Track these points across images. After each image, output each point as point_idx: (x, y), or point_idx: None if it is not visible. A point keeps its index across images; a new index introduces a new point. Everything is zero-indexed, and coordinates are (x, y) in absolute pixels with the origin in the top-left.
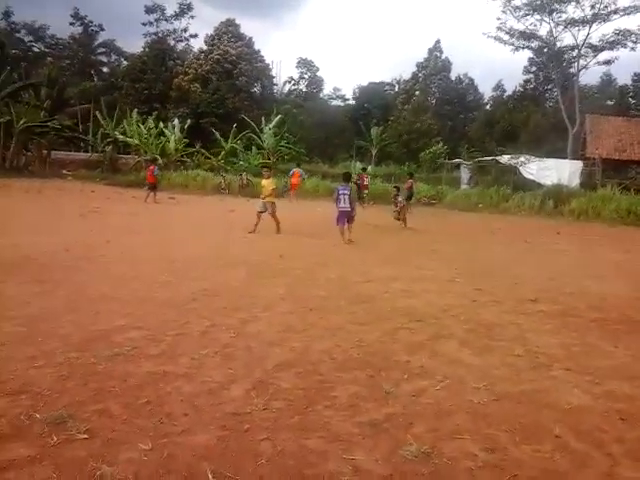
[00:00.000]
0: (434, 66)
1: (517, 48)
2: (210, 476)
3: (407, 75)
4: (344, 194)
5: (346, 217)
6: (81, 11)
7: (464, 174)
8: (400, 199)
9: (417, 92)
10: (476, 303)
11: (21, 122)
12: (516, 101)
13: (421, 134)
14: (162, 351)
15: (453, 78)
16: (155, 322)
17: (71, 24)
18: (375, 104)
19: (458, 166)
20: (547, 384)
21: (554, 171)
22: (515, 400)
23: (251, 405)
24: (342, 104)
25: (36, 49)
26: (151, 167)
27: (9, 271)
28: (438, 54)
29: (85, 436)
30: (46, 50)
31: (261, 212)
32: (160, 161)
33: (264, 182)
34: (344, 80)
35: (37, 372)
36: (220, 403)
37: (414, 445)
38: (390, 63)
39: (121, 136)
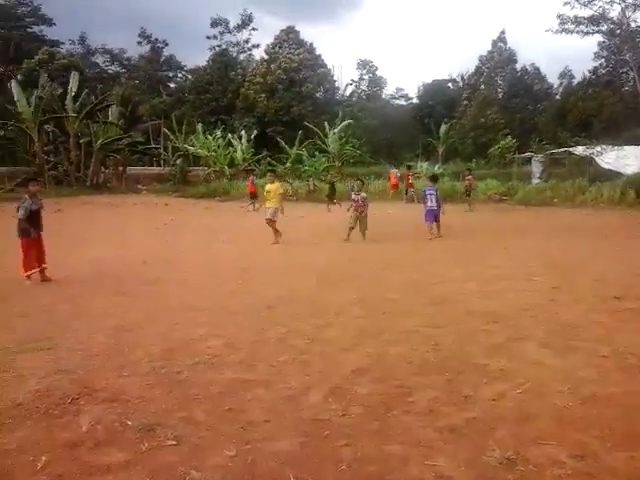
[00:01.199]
0: (499, 58)
1: (586, 34)
2: None
3: (471, 70)
4: (431, 194)
5: (433, 215)
6: (148, 30)
7: (535, 168)
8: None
9: (482, 86)
10: (555, 302)
11: (99, 141)
12: (588, 88)
13: (488, 129)
14: (241, 359)
15: (519, 69)
16: (233, 330)
17: (139, 43)
18: (440, 101)
19: (529, 160)
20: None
21: (634, 159)
22: (604, 403)
23: (330, 411)
24: (405, 103)
25: (110, 70)
26: (250, 177)
27: (94, 284)
28: (502, 45)
29: (173, 442)
30: (119, 70)
31: (272, 219)
32: (228, 171)
33: (269, 187)
34: (406, 79)
35: (126, 381)
36: (299, 409)
37: (497, 451)
38: (453, 59)
39: (191, 148)
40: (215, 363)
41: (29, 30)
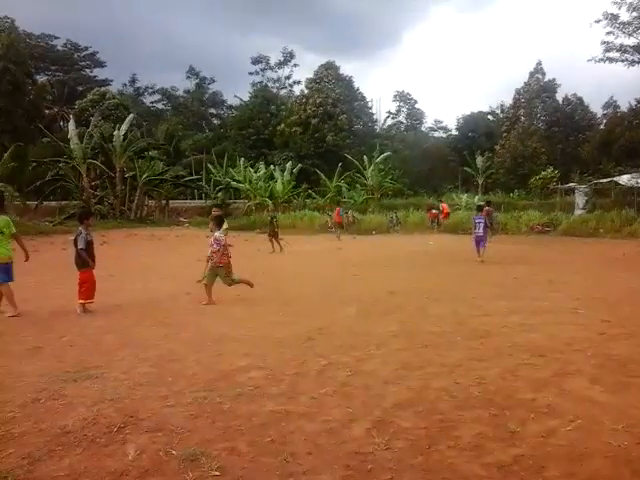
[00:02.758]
0: (536, 88)
1: (632, 63)
2: None
3: (509, 101)
4: (479, 222)
5: (480, 241)
6: (195, 67)
7: (579, 198)
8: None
9: (522, 117)
10: (604, 336)
11: (144, 176)
12: (635, 117)
13: (528, 159)
14: (282, 391)
15: (560, 99)
16: (274, 361)
17: (187, 78)
18: (479, 133)
19: (572, 191)
20: None
21: None
22: None
23: (373, 444)
24: (444, 135)
25: (156, 107)
26: (337, 209)
27: (139, 314)
28: (540, 76)
29: (217, 473)
30: (165, 108)
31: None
32: (270, 203)
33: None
34: (445, 111)
35: (170, 411)
36: (342, 442)
37: None
38: (490, 90)
39: (234, 182)
40: (257, 394)
41: (82, 73)
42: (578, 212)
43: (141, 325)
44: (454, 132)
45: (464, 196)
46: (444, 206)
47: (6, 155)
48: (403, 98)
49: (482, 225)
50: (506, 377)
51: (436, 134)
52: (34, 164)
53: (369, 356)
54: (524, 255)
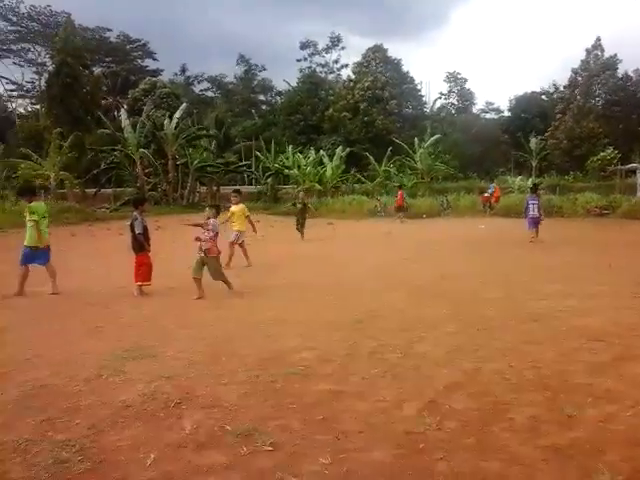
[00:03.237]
0: (595, 66)
1: None
2: None
3: (564, 80)
4: (533, 203)
5: (535, 222)
6: (245, 54)
7: None
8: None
9: (577, 97)
10: None
11: (195, 162)
12: None
13: (585, 140)
14: (333, 371)
15: (620, 76)
16: (324, 343)
17: (237, 65)
18: (532, 114)
19: (633, 172)
20: None
21: None
22: None
23: (424, 424)
24: (496, 117)
25: (207, 95)
26: (400, 192)
27: (194, 296)
28: (599, 53)
29: (270, 448)
30: (213, 95)
31: (234, 242)
32: (318, 187)
33: (234, 208)
34: (497, 93)
35: (224, 388)
36: (393, 422)
37: (607, 474)
38: (544, 69)
39: (281, 168)
40: (308, 374)
41: (134, 63)
42: None
43: (195, 306)
44: (506, 113)
45: (517, 179)
46: (496, 189)
47: (65, 144)
48: (454, 79)
49: (537, 206)
50: (562, 361)
51: (487, 116)
52: (91, 153)
53: (420, 339)
54: (580, 238)
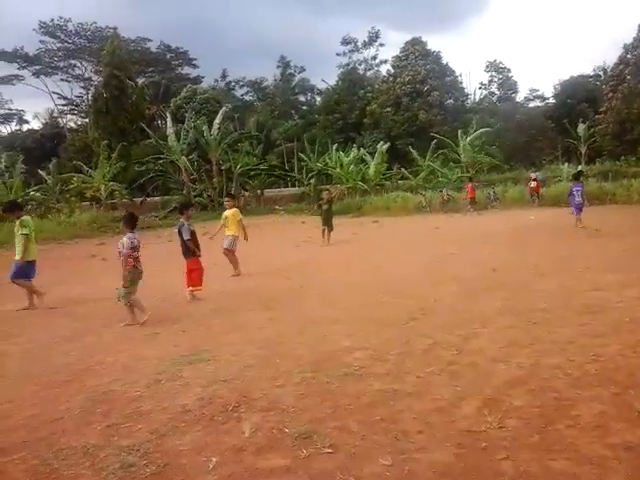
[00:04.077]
0: None
1: None
2: None
3: (613, 60)
4: (577, 190)
5: (579, 208)
6: (285, 55)
7: None
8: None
9: (628, 76)
10: None
11: (238, 166)
12: None
13: (635, 123)
14: (388, 370)
15: None
16: (378, 342)
17: (277, 67)
18: (580, 98)
19: None
20: None
21: None
22: None
23: (485, 423)
24: (541, 104)
25: (247, 98)
26: (470, 184)
27: (244, 300)
28: None
29: (330, 450)
30: (254, 99)
31: (230, 249)
32: (364, 186)
33: (227, 213)
34: (541, 79)
35: (280, 391)
36: (452, 420)
37: None
38: (592, 51)
39: (324, 168)
40: (363, 374)
41: (175, 72)
42: None
43: (246, 309)
44: (552, 100)
45: (565, 166)
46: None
47: (114, 155)
48: (495, 68)
49: (580, 192)
50: (626, 354)
51: (532, 104)
52: (137, 163)
53: (474, 334)
54: (636, 226)
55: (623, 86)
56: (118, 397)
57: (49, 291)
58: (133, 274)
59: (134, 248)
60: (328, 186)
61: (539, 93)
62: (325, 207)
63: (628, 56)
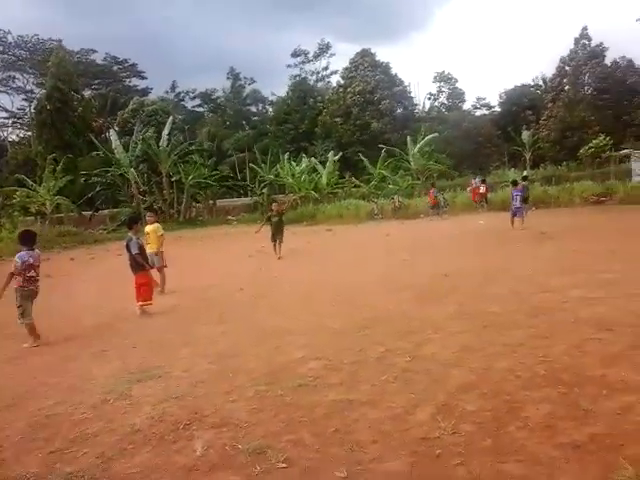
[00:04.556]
0: (583, 55)
1: None
2: None
3: (552, 72)
4: (517, 195)
5: (517, 212)
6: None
7: (636, 164)
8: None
9: (567, 86)
10: None
11: (190, 178)
12: None
13: (576, 130)
14: (342, 379)
15: (608, 64)
16: (331, 351)
17: (227, 79)
18: (523, 106)
19: (628, 157)
20: None
21: None
22: None
23: (439, 429)
24: (487, 112)
25: (198, 110)
26: (431, 190)
27: (196, 313)
28: (586, 42)
29: (284, 465)
30: (205, 110)
31: (162, 265)
32: (314, 195)
33: (148, 228)
34: (487, 88)
35: (233, 405)
36: (407, 429)
37: (630, 469)
38: (534, 62)
39: (276, 178)
40: (317, 385)
41: (123, 83)
42: (636, 179)
43: (198, 323)
44: (497, 108)
45: (511, 172)
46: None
47: (59, 169)
48: (444, 78)
49: (519, 198)
50: (572, 354)
51: (479, 112)
52: (85, 176)
53: (427, 340)
54: (580, 227)
55: (563, 95)
56: (62, 420)
57: None
58: (22, 293)
59: (28, 267)
60: (278, 196)
61: (486, 102)
62: (275, 219)
63: (566, 68)
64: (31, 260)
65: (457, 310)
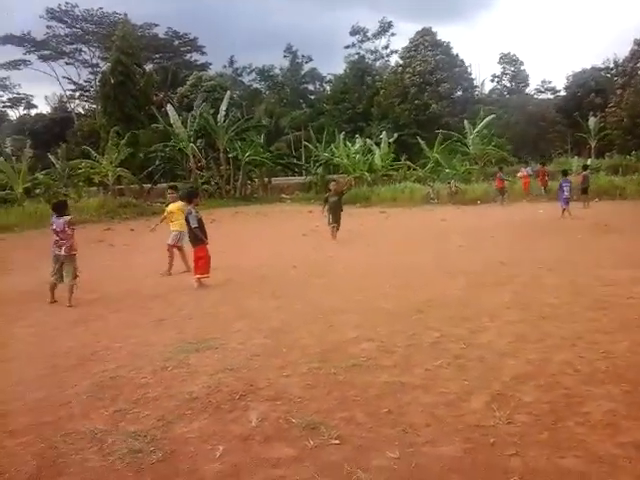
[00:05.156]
0: None
1: None
2: None
3: (625, 54)
4: (566, 185)
5: (567, 201)
6: (292, 45)
7: None
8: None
9: None
10: None
11: (246, 155)
12: None
13: None
14: (395, 362)
15: None
16: (385, 333)
17: (285, 57)
18: (590, 90)
19: None
20: None
21: None
22: None
23: (494, 418)
24: (552, 97)
25: (255, 87)
26: (498, 174)
27: (252, 288)
28: None
29: (337, 442)
30: (263, 87)
31: (173, 246)
32: (368, 177)
33: (172, 207)
34: (552, 71)
35: (287, 380)
36: (461, 415)
37: None
38: (605, 44)
39: (331, 158)
40: (370, 366)
41: (183, 58)
42: None
43: (254, 298)
44: (563, 93)
45: (575, 160)
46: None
47: (122, 142)
48: (509, 60)
49: (569, 188)
50: (637, 351)
51: (543, 96)
52: (145, 149)
53: (483, 328)
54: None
55: (636, 80)
56: (125, 383)
57: None
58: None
59: (52, 231)
60: (335, 176)
61: (551, 85)
62: (333, 199)
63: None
64: (53, 226)
65: (513, 299)
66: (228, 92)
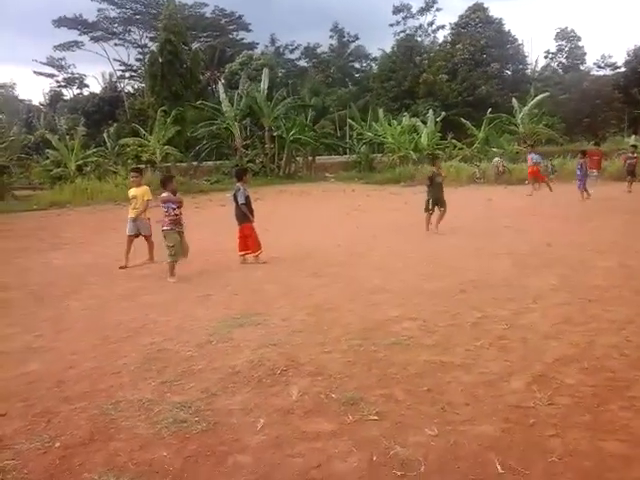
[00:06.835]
0: None
1: None
2: (499, 467)
3: None
4: (579, 167)
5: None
6: (338, 23)
7: None
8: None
9: None
10: None
11: (290, 134)
12: None
13: None
14: (436, 341)
15: None
16: (427, 313)
17: (331, 37)
18: None
19: None
20: None
21: None
22: None
23: (534, 399)
24: (611, 73)
25: (301, 65)
26: (529, 157)
27: (295, 265)
28: None
29: (375, 417)
30: (309, 65)
31: (132, 236)
32: (414, 156)
33: (133, 191)
34: (613, 46)
35: (327, 357)
36: (500, 395)
37: None
38: None
39: (376, 136)
40: (411, 344)
41: (230, 36)
42: None
43: (297, 275)
44: (623, 69)
45: (631, 139)
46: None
47: (169, 120)
48: (566, 36)
49: (581, 168)
50: None
51: (602, 72)
52: (192, 128)
53: (527, 309)
54: None
55: None
56: (171, 356)
57: (109, 252)
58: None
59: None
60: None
61: (611, 60)
62: (438, 180)
63: None
64: (169, 204)
65: (560, 281)
66: (265, 70)
